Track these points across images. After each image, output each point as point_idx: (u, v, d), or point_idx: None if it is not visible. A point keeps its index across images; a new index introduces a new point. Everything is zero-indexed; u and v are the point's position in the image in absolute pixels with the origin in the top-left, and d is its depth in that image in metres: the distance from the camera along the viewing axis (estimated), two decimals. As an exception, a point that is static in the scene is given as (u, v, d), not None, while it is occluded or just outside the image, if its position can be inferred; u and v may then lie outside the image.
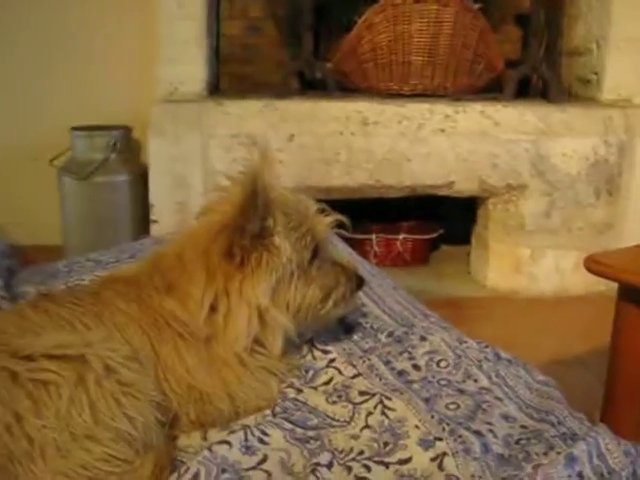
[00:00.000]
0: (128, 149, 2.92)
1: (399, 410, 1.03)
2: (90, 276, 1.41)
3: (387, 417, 1.02)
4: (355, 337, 1.25)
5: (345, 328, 1.27)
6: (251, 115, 2.60)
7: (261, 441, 0.94)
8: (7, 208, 2.98)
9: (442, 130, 2.65)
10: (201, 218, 1.14)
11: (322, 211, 1.14)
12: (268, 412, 1.05)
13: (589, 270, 1.36)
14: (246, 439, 0.93)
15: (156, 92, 2.70)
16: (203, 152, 2.57)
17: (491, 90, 2.88)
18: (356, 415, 1.04)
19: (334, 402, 1.08)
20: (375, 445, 0.97)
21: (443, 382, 1.12)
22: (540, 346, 2.12)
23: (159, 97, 2.69)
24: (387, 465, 0.93)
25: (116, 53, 3.03)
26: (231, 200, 1.06)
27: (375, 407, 1.04)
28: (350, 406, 1.06)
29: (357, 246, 2.54)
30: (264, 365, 1.08)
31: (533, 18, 2.94)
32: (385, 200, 2.79)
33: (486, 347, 1.22)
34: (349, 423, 1.03)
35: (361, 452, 0.96)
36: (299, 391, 1.10)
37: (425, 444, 0.96)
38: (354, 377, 1.13)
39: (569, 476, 0.87)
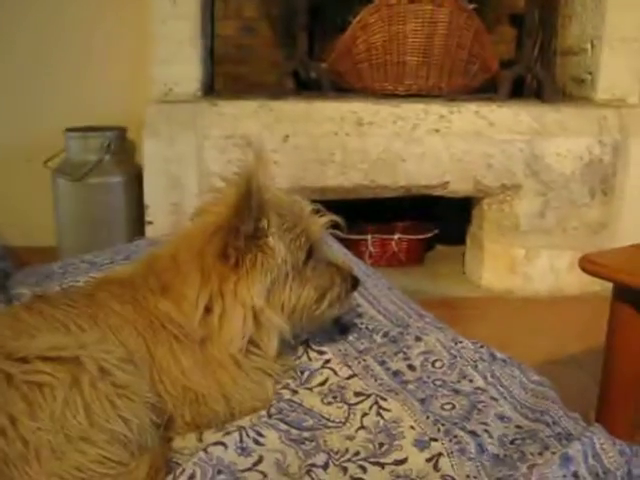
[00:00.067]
0: (122, 150, 2.91)
1: (394, 411, 1.03)
2: (85, 278, 1.40)
3: (382, 418, 1.02)
4: (350, 338, 1.26)
5: (340, 329, 1.27)
6: (246, 116, 2.60)
7: (256, 442, 0.94)
8: (1, 209, 2.97)
9: (437, 130, 2.65)
10: (196, 219, 1.14)
11: (317, 212, 1.14)
12: (263, 413, 1.05)
13: (584, 270, 1.37)
14: (241, 440, 0.93)
15: (150, 93, 2.69)
16: (198, 153, 2.56)
17: (486, 90, 2.88)
18: (351, 416, 1.04)
19: (329, 403, 1.08)
20: (370, 446, 0.97)
21: (438, 382, 1.12)
22: (535, 346, 2.12)
23: (153, 98, 2.68)
24: (383, 466, 0.94)
25: (111, 54, 3.02)
26: (226, 201, 1.07)
27: (370, 408, 1.05)
28: (345, 407, 1.06)
29: (352, 246, 2.54)
30: (259, 366, 1.08)
31: (527, 18, 2.94)
32: (380, 200, 2.79)
33: (481, 347, 1.22)
34: (344, 424, 1.03)
35: (357, 453, 0.96)
36: (294, 392, 1.10)
37: (420, 445, 0.96)
38: (349, 378, 1.13)
39: (564, 476, 0.87)
